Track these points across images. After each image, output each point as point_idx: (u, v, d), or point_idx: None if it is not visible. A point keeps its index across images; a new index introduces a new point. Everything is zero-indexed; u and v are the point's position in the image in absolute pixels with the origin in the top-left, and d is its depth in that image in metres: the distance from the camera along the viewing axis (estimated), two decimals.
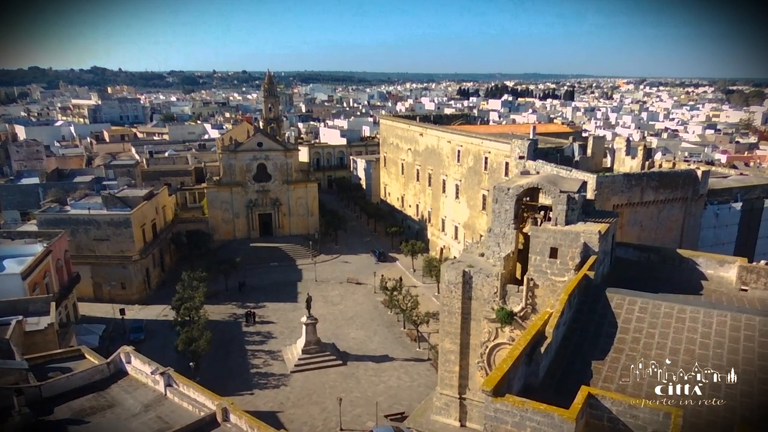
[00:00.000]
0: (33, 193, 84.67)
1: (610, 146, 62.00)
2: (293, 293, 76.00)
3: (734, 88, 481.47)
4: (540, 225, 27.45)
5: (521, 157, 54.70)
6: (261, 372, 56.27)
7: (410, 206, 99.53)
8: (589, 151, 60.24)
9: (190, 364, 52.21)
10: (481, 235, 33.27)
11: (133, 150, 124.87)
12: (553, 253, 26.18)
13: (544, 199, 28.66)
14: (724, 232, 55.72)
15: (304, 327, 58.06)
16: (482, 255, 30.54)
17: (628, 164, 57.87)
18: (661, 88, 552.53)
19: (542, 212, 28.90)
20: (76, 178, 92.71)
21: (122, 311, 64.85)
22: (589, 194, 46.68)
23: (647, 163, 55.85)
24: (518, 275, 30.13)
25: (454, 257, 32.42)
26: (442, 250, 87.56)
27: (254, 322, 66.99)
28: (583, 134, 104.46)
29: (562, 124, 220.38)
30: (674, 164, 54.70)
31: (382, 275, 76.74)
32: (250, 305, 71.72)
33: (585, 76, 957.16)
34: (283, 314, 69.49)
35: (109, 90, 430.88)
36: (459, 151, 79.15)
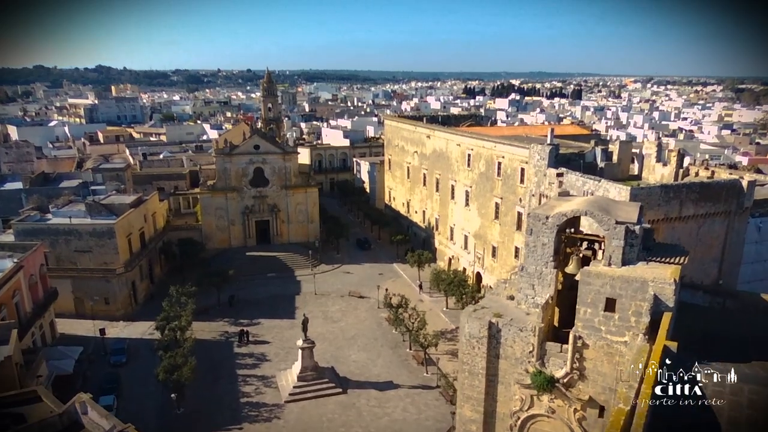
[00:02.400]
0: (15, 199, 79.38)
1: (639, 151, 56.27)
2: (290, 309, 70.57)
3: (743, 86, 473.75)
4: (589, 265, 21.72)
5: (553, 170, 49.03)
6: (252, 402, 50.83)
7: (416, 212, 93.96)
8: (615, 157, 54.52)
9: (172, 396, 46.88)
10: (510, 276, 27.00)
11: (128, 152, 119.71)
12: (610, 305, 20.47)
13: (586, 226, 23.11)
14: (767, 247, 50.02)
15: (300, 351, 52.64)
16: (512, 298, 24.73)
17: (658, 172, 52.14)
18: (668, 86, 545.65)
19: (584, 244, 23.20)
20: (63, 182, 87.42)
21: (102, 331, 59.57)
22: None
23: (681, 171, 50.13)
24: (555, 322, 24.40)
25: (477, 303, 26.05)
26: (450, 260, 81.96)
27: (247, 342, 61.61)
28: (601, 136, 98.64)
29: (572, 123, 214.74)
30: (713, 172, 49.04)
31: (386, 289, 71.25)
32: (244, 322, 66.36)
33: (591, 74, 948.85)
34: (278, 333, 64.06)
35: (113, 89, 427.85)
36: (469, 155, 73.52)
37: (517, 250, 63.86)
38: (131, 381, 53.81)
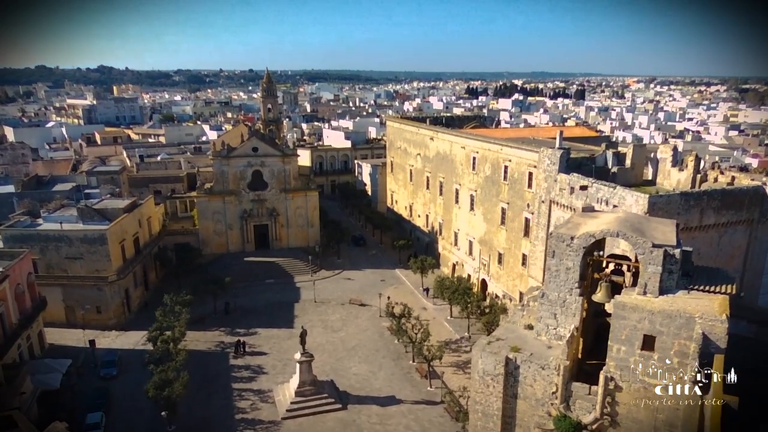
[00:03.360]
0: (7, 203, 76.99)
1: (652, 155, 53.78)
2: (289, 317, 68.15)
3: (747, 86, 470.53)
4: (621, 293, 19.08)
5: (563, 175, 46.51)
6: (247, 419, 48.42)
7: (419, 216, 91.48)
8: (628, 162, 52.02)
9: (162, 413, 44.46)
10: (528, 301, 24.18)
11: (125, 153, 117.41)
12: (648, 343, 17.76)
13: (614, 245, 20.57)
14: None
15: (297, 365, 50.18)
16: (530, 328, 22.10)
17: (674, 177, 49.62)
18: (672, 87, 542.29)
19: (610, 265, 20.61)
20: (57, 185, 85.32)
21: (92, 342, 57.24)
22: None
23: (699, 176, 47.61)
24: (579, 352, 21.72)
25: (492, 334, 23.07)
26: (454, 266, 79.49)
27: (243, 354, 59.19)
28: (610, 138, 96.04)
29: (577, 124, 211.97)
30: (733, 178, 46.46)
31: (388, 297, 68.80)
32: (241, 332, 64.00)
33: (593, 74, 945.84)
34: (276, 343, 61.62)
35: (115, 89, 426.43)
36: (474, 158, 71.03)
37: (524, 257, 61.35)
38: (121, 395, 51.46)
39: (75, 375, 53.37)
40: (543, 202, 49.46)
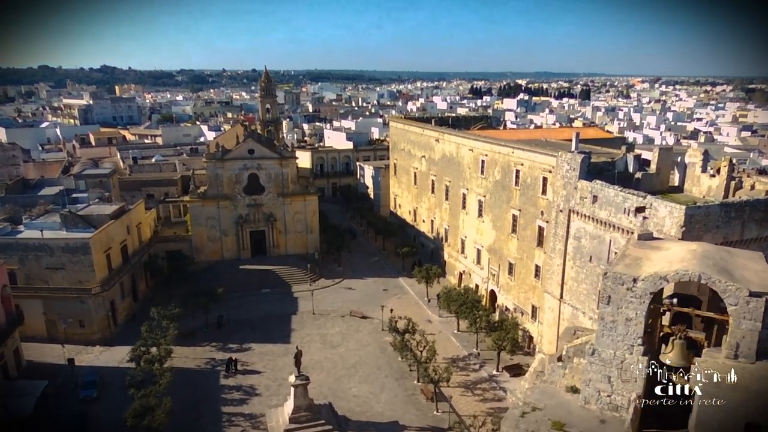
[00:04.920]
0: None
1: (679, 160, 49.41)
2: (286, 331, 63.97)
3: (753, 86, 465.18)
4: (702, 354, 14.74)
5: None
6: None
7: (424, 221, 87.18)
8: (653, 166, 47.66)
9: None
10: (568, 350, 19.34)
11: (119, 155, 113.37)
12: None
13: (673, 285, 16.21)
14: None
15: (292, 389, 45.91)
16: (574, 391, 17.66)
17: (705, 184, 45.28)
18: (677, 86, 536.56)
19: (665, 313, 16.18)
20: (44, 189, 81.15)
21: (71, 361, 53.12)
22: (675, 230, 34.32)
23: (733, 183, 43.26)
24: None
25: (526, 402, 18.13)
26: (461, 275, 75.17)
27: (235, 372, 55.00)
28: (626, 141, 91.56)
29: (585, 125, 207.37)
30: None
31: (391, 310, 64.55)
32: (233, 347, 59.90)
33: (597, 74, 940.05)
34: (271, 361, 57.42)
35: (117, 89, 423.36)
36: (483, 161, 66.73)
37: (537, 268, 57.05)
38: (102, 420, 47.33)
39: (53, 396, 49.26)
40: (561, 211, 45.19)
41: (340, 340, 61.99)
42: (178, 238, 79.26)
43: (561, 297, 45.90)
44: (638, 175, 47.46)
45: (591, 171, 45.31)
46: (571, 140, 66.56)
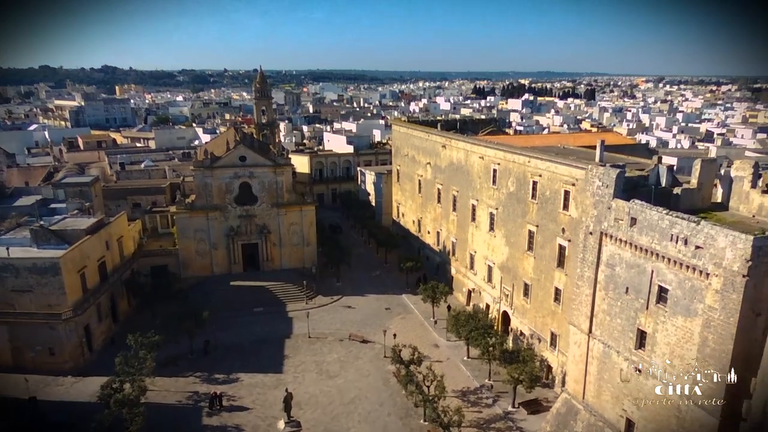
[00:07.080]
0: None
1: (723, 173, 43.43)
2: (278, 358, 58.11)
3: (758, 86, 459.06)
4: None
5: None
6: None
7: (429, 233, 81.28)
8: (693, 180, 41.64)
9: None
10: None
11: (107, 160, 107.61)
12: None
13: None
14: None
15: None
16: None
17: (755, 202, 39.27)
18: (682, 86, 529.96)
19: None
20: (20, 199, 75.37)
21: (33, 400, 47.29)
22: (738, 265, 28.33)
23: None
24: None
25: None
26: (470, 293, 69.26)
27: (220, 409, 49.12)
28: (649, 148, 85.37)
29: (592, 126, 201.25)
30: None
31: (394, 335, 58.73)
32: (219, 378, 54.04)
33: (600, 74, 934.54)
34: (261, 394, 51.53)
35: (117, 89, 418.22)
36: (495, 171, 60.83)
37: (557, 292, 51.09)
38: None
39: None
40: (591, 233, 39.22)
41: (338, 369, 56.09)
42: (164, 252, 73.42)
43: (590, 331, 39.97)
44: (677, 190, 41.40)
45: (624, 187, 39.30)
46: (589, 147, 60.99)
